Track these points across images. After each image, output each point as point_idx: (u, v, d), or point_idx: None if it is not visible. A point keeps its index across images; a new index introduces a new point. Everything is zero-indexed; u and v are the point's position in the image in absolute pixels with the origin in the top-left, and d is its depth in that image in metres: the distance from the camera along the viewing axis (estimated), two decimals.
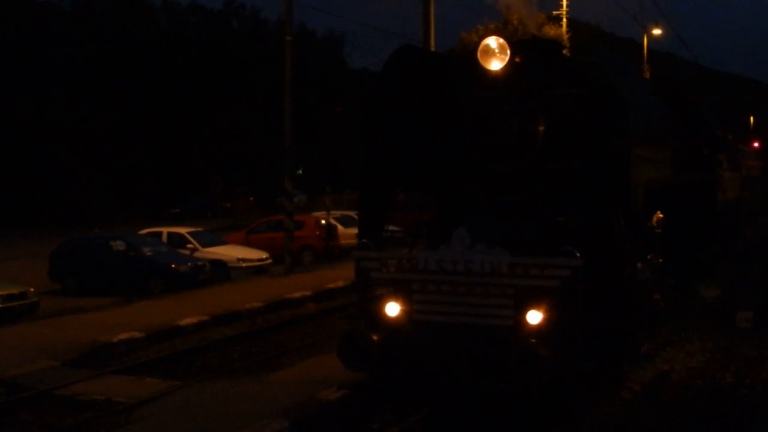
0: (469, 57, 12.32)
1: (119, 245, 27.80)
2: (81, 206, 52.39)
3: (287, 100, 29.59)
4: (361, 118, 12.64)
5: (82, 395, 13.92)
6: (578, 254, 10.40)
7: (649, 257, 13.20)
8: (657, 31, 60.71)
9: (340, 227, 36.28)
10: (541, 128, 11.54)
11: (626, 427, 11.24)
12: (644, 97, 13.65)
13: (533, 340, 10.20)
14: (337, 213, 38.33)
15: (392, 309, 11.24)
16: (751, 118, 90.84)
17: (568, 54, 13.24)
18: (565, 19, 47.73)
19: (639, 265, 12.39)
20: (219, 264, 29.04)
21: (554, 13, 45.71)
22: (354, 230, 28.49)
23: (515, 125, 11.53)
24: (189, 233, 31.27)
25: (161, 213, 54.42)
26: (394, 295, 11.31)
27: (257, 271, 30.15)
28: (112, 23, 64.00)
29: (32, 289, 22.26)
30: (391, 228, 13.21)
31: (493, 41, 11.47)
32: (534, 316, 10.42)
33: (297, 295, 23.81)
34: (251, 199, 64.90)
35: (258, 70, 70.22)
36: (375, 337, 11.00)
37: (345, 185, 60.08)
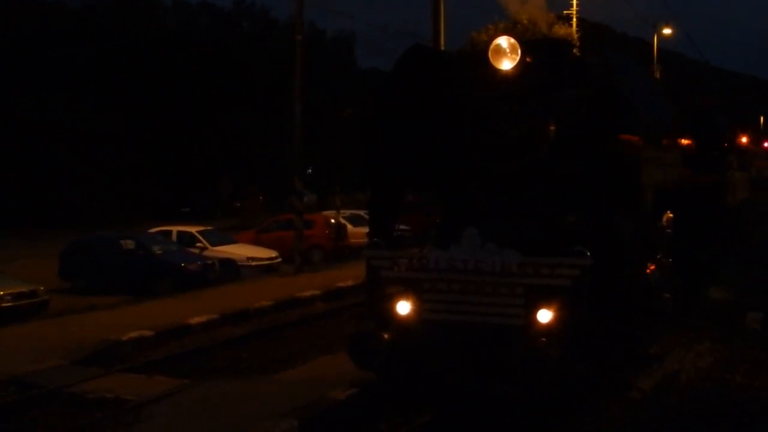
0: (473, 56, 12.29)
1: (129, 244, 27.78)
2: (81, 207, 52.33)
3: (297, 100, 29.61)
4: (363, 118, 12.71)
5: (92, 393, 13.91)
6: (588, 254, 10.42)
7: (658, 257, 13.19)
8: (667, 31, 60.61)
9: (349, 226, 36.28)
10: (545, 129, 11.51)
11: (629, 423, 11.23)
12: (651, 96, 13.64)
13: (543, 339, 10.21)
14: (347, 212, 38.32)
15: (403, 307, 11.27)
16: (761, 118, 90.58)
17: (578, 53, 13.19)
18: (575, 19, 47.76)
19: (648, 263, 12.39)
20: (228, 263, 29.02)
21: (564, 12, 45.75)
22: (363, 229, 28.51)
23: (516, 126, 11.53)
24: (198, 232, 31.32)
25: (161, 214, 54.27)
26: (405, 293, 11.33)
27: (267, 270, 30.21)
28: (113, 23, 63.84)
29: (42, 288, 22.30)
30: (402, 227, 13.23)
31: (504, 41, 11.44)
32: (544, 315, 10.44)
33: (306, 294, 23.82)
34: (260, 198, 64.89)
35: (259, 70, 70.11)
36: (385, 336, 11.03)
37: (355, 185, 60.05)
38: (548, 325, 10.41)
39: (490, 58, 11.46)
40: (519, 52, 11.34)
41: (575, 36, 13.58)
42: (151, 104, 62.01)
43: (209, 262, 27.70)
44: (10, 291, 21.20)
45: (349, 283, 25.04)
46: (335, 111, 67.51)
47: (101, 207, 52.92)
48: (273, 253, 31.26)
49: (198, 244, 30.03)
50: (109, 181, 56.47)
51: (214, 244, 30.43)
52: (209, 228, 33.75)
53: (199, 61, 66.19)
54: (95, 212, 51.04)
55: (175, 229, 31.96)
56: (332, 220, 35.71)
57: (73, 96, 57.31)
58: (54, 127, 55.11)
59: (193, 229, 32.00)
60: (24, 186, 52.96)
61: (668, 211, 13.76)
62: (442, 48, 25.06)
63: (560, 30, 13.14)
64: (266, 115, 66.82)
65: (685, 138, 14.96)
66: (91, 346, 17.07)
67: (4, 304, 20.81)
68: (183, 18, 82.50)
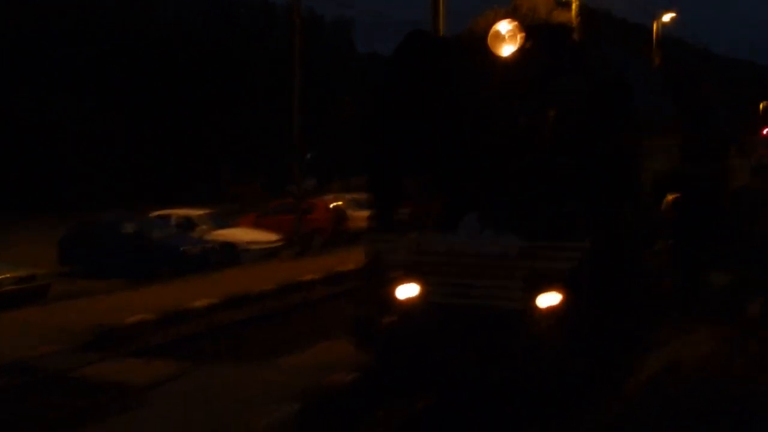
0: (472, 43, 12.24)
1: (129, 228, 27.78)
2: (81, 207, 52.44)
3: (296, 85, 29.63)
4: (363, 118, 12.70)
5: (93, 378, 13.95)
6: (587, 240, 10.44)
7: (657, 245, 13.21)
8: (667, 17, 60.39)
9: (349, 211, 36.27)
10: (544, 125, 11.49)
11: (627, 419, 11.23)
12: (651, 87, 13.62)
13: (542, 325, 10.24)
14: (347, 197, 38.32)
15: (403, 291, 11.28)
16: (761, 105, 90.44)
17: (578, 39, 13.16)
18: (574, 5, 47.51)
19: (647, 252, 12.40)
20: (229, 247, 29.02)
21: None
22: (363, 214, 28.49)
23: (516, 123, 11.52)
24: (199, 216, 31.28)
25: (161, 198, 54.30)
26: (405, 277, 11.34)
27: (267, 254, 30.14)
28: (113, 23, 63.60)
29: (42, 272, 22.31)
30: (402, 212, 13.24)
31: (503, 26, 11.42)
32: (543, 301, 10.46)
33: (307, 278, 23.82)
34: (260, 183, 64.89)
35: (259, 69, 69.97)
36: (385, 320, 11.05)
37: (355, 170, 60.16)
38: (548, 311, 10.43)
39: (490, 45, 11.44)
40: (519, 37, 11.31)
41: (575, 21, 13.54)
42: (151, 104, 61.93)
43: (209, 245, 27.70)
44: (11, 275, 21.22)
45: (350, 267, 24.97)
46: (335, 110, 67.46)
47: (101, 207, 53.06)
48: (274, 237, 31.16)
49: (198, 228, 30.00)
50: (109, 181, 56.50)
51: (214, 228, 30.40)
52: (209, 212, 33.73)
53: (199, 61, 66.12)
54: (95, 211, 51.20)
55: (175, 213, 31.94)
56: (332, 205, 35.69)
57: (73, 96, 57.22)
58: (54, 126, 55.17)
59: (193, 213, 31.98)
60: (24, 186, 53.03)
61: (668, 195, 13.74)
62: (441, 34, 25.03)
63: (560, 16, 13.10)
64: (266, 113, 66.71)
65: (684, 129, 14.94)
66: (92, 330, 17.10)
67: (4, 289, 20.83)
68: (182, 14, 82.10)
